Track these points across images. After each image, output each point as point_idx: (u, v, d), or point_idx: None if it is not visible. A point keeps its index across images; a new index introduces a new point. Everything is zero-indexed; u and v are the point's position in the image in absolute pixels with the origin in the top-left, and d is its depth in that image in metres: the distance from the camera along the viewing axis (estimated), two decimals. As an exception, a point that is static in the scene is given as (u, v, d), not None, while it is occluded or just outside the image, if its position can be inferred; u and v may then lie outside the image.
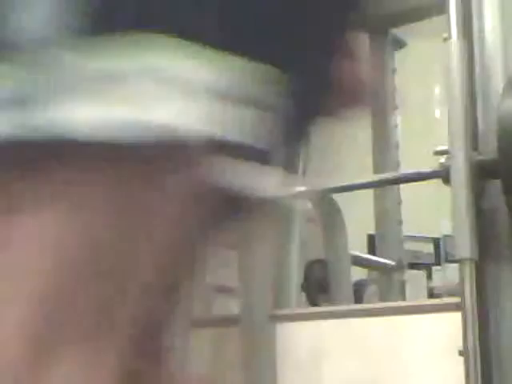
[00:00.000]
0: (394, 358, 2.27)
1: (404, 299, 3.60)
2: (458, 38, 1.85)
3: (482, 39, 1.88)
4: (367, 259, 3.73)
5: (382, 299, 3.56)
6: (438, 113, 4.12)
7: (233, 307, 3.41)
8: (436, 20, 2.36)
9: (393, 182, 2.81)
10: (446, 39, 1.86)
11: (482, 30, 1.88)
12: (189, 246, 0.70)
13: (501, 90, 1.81)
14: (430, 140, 2.42)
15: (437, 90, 4.08)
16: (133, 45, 0.58)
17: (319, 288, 3.43)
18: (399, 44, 3.70)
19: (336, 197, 3.12)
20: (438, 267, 4.87)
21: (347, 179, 2.27)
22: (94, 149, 0.57)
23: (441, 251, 4.87)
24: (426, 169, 2.03)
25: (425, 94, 4.25)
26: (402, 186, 3.45)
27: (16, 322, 0.59)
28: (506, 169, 1.73)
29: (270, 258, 2.95)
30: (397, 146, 3.62)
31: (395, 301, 3.35)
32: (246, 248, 2.70)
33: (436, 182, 1.96)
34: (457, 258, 1.78)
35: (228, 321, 2.85)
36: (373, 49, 3.63)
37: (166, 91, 0.58)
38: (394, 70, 3.66)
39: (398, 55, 3.68)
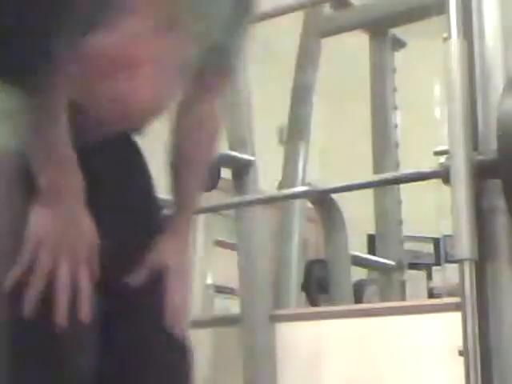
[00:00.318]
0: (394, 357, 2.27)
1: (404, 299, 3.60)
2: (458, 37, 1.84)
3: (482, 39, 1.88)
4: (367, 259, 3.73)
5: (382, 299, 3.56)
6: (438, 113, 4.11)
7: (233, 307, 3.41)
8: (436, 20, 2.36)
9: (393, 181, 2.81)
10: (446, 39, 1.86)
11: (482, 30, 1.88)
12: None
13: (501, 90, 1.81)
14: (430, 140, 2.42)
15: (437, 90, 4.08)
16: None
17: (319, 288, 3.43)
18: (399, 44, 3.70)
19: (336, 197, 3.12)
20: (438, 267, 4.87)
21: (347, 179, 2.27)
22: None
23: (441, 251, 4.87)
24: (426, 169, 2.03)
25: (425, 94, 4.25)
26: (402, 186, 3.45)
27: None
28: (506, 169, 1.72)
29: (270, 257, 2.95)
30: (397, 146, 3.62)
31: (395, 301, 3.35)
32: (245, 247, 2.70)
33: (436, 182, 1.95)
34: (457, 258, 1.78)
35: (228, 321, 2.85)
36: (373, 49, 3.64)
37: None
38: (394, 70, 3.66)
39: (398, 55, 3.68)
